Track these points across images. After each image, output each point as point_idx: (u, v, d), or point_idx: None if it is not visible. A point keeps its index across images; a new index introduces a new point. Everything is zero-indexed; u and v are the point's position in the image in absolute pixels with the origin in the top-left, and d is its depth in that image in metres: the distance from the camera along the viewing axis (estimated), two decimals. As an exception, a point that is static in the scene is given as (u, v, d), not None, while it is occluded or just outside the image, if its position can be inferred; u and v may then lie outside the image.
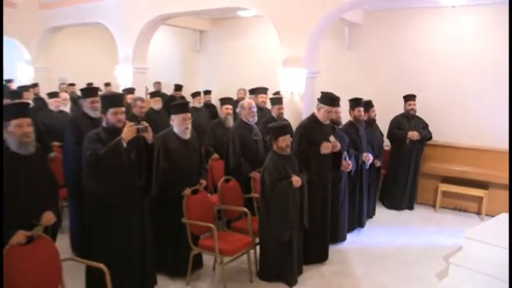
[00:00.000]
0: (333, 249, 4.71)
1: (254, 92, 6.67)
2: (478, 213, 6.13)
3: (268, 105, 6.03)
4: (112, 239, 3.21)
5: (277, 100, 5.60)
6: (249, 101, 5.07)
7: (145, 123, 3.23)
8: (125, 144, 3.09)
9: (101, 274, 2.85)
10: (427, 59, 6.83)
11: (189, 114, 3.96)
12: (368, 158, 5.29)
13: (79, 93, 5.67)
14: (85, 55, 10.47)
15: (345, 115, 5.25)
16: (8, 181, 2.69)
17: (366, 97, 5.74)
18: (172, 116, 3.93)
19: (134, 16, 7.16)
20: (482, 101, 6.42)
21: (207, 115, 7.03)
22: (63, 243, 4.04)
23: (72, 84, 8.97)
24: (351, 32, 7.51)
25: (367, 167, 5.40)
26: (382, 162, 5.92)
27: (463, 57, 6.54)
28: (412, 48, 6.96)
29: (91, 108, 4.11)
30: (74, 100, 7.12)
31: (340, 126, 5.08)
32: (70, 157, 4.08)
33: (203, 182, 4.06)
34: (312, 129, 4.37)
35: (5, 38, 7.81)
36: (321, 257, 4.46)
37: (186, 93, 8.39)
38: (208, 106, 7.61)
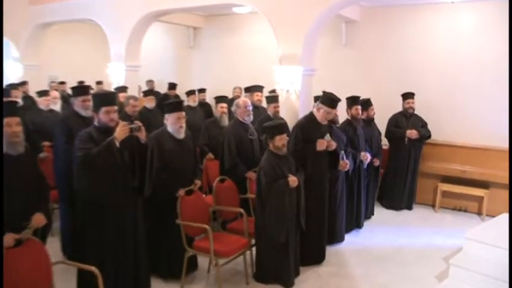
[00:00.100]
0: (331, 250, 4.73)
1: (249, 90, 6.66)
2: (479, 213, 6.16)
3: (264, 104, 6.04)
4: (104, 240, 3.20)
5: (273, 98, 5.60)
6: (244, 99, 5.07)
7: (138, 123, 3.22)
8: (117, 144, 3.08)
9: (93, 277, 2.83)
10: (426, 56, 6.85)
11: (183, 113, 3.96)
12: (366, 157, 5.30)
13: (70, 91, 5.65)
14: (76, 52, 10.40)
15: (342, 114, 5.27)
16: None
17: (363, 95, 5.75)
18: (166, 115, 3.93)
19: (126, 13, 7.13)
20: (482, 98, 6.43)
21: (201, 114, 7.01)
22: (53, 246, 4.01)
23: (62, 83, 8.92)
24: (348, 28, 7.52)
25: (365, 166, 5.41)
26: (380, 162, 5.94)
27: (463, 53, 6.57)
28: (411, 45, 6.98)
29: (82, 107, 4.09)
30: (65, 99, 7.08)
31: (338, 125, 5.09)
32: (61, 157, 4.06)
33: (198, 182, 4.05)
34: (309, 129, 4.37)
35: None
36: (318, 258, 4.47)
37: (180, 91, 8.38)
38: (203, 105, 7.60)
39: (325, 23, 5.70)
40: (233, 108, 4.95)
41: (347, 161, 4.66)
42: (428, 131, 6.34)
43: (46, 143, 5.27)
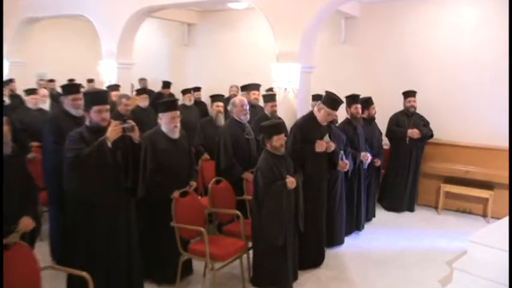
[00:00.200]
0: (330, 253, 4.73)
1: (246, 88, 6.66)
2: (484, 215, 6.17)
3: (261, 103, 6.03)
4: (96, 243, 3.18)
5: (270, 97, 5.61)
6: (240, 98, 5.06)
7: (131, 122, 3.21)
8: (109, 145, 3.07)
9: (83, 283, 2.81)
10: (428, 52, 6.86)
11: (178, 112, 3.95)
12: (366, 157, 5.30)
13: (59, 90, 5.62)
14: (66, 49, 10.35)
15: (341, 112, 5.26)
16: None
17: (363, 93, 5.76)
18: (160, 114, 3.92)
19: (118, 8, 7.09)
20: (486, 96, 6.42)
21: (196, 113, 7.01)
22: (42, 251, 4.00)
23: (51, 80, 8.89)
24: (348, 25, 7.53)
25: (365, 167, 5.42)
26: (382, 162, 5.94)
27: (465, 50, 6.58)
28: (412, 41, 6.99)
29: (73, 106, 4.07)
30: (54, 97, 7.05)
31: (337, 124, 5.09)
32: (50, 158, 4.05)
33: (193, 183, 4.04)
34: (309, 129, 4.38)
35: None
36: (317, 261, 4.48)
37: (174, 89, 8.37)
38: (198, 103, 7.59)
39: (324, 19, 5.70)
40: (229, 107, 4.95)
41: (346, 161, 4.66)
42: (431, 130, 6.35)
43: (34, 143, 5.24)
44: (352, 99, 5.41)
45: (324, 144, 4.30)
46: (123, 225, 3.31)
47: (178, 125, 3.93)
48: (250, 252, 4.08)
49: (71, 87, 4.28)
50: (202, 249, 3.71)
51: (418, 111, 6.41)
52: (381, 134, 6.20)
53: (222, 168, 4.67)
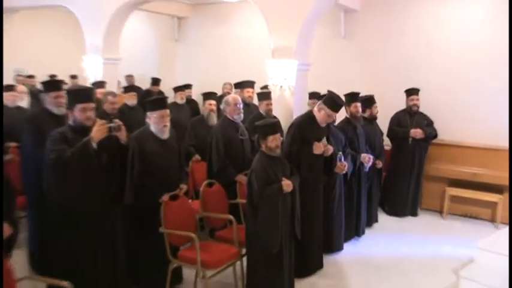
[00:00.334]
0: (328, 260, 4.74)
1: (240, 86, 6.66)
2: (492, 220, 6.19)
3: (256, 101, 6.03)
4: (78, 251, 3.17)
5: (265, 95, 5.60)
6: (234, 96, 5.07)
7: (118, 122, 3.21)
8: (94, 145, 3.07)
9: (65, 293, 2.80)
10: (430, 48, 6.89)
11: (168, 111, 3.94)
12: (368, 159, 5.30)
13: (39, 86, 5.59)
14: (47, 43, 10.26)
15: (340, 111, 5.26)
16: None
17: (363, 91, 5.78)
18: (149, 113, 3.91)
19: (103, -1, 7.08)
20: (493, 94, 6.43)
21: (187, 111, 7.01)
22: (20, 260, 3.97)
23: (31, 76, 8.83)
24: (347, 19, 7.56)
25: (366, 169, 5.42)
26: (383, 163, 5.96)
27: (470, 46, 6.60)
28: (414, 36, 7.01)
29: (55, 104, 4.05)
30: (33, 94, 7.00)
31: (335, 124, 5.10)
32: (29, 160, 4.02)
33: (183, 186, 4.04)
34: (307, 129, 4.38)
35: None
36: (314, 268, 4.48)
37: (164, 87, 8.35)
38: (189, 102, 7.59)
39: (322, 12, 5.72)
40: (222, 106, 4.95)
41: (345, 163, 4.65)
42: (435, 130, 6.38)
43: (12, 144, 5.19)
44: (352, 97, 5.41)
45: (321, 147, 4.32)
46: (107, 231, 3.30)
47: (168, 124, 3.92)
48: (244, 259, 4.07)
49: (53, 84, 4.26)
50: (193, 256, 3.70)
51: (421, 110, 6.43)
52: (382, 134, 6.21)
53: (214, 170, 4.67)
